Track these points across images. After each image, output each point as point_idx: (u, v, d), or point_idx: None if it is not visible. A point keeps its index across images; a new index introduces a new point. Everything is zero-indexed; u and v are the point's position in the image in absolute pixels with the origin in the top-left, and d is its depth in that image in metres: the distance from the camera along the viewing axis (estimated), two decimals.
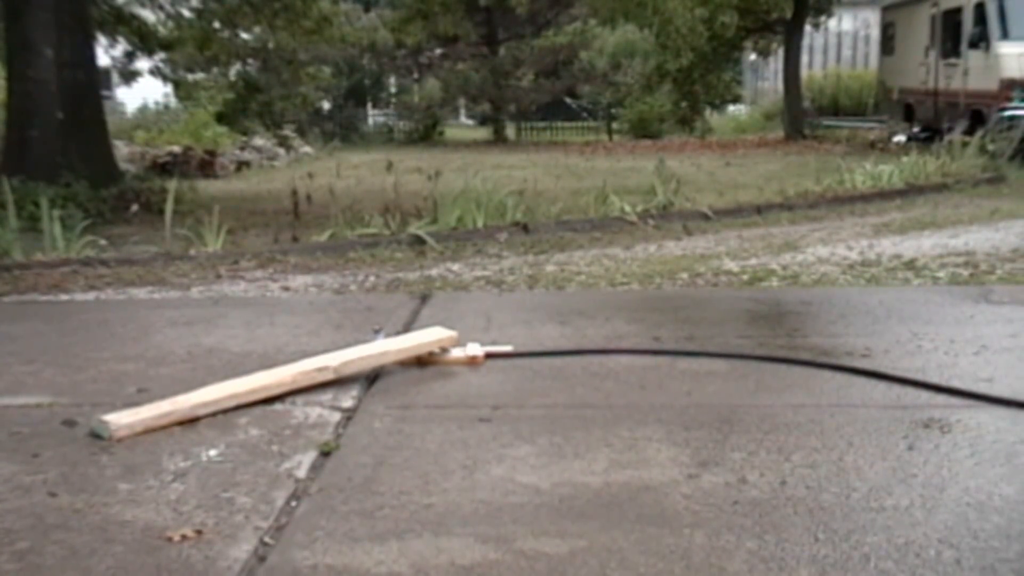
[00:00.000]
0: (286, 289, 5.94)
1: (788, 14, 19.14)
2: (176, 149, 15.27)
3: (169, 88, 16.11)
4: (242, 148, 16.59)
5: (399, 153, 16.60)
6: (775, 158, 15.06)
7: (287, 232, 7.67)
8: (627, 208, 8.51)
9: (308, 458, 2.88)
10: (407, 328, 4.28)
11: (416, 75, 26.12)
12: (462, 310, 4.78)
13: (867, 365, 3.67)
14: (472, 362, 3.81)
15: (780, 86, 21.24)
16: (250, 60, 12.97)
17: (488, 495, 2.60)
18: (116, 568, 2.24)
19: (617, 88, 23.71)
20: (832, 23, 23.28)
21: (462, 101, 26.13)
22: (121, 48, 13.14)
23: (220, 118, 13.97)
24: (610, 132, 24.23)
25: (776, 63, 23.35)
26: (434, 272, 6.39)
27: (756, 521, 2.42)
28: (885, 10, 19.56)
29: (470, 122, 27.84)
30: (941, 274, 5.85)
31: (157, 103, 20.52)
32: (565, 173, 12.65)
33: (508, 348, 3.95)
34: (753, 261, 6.48)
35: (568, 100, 25.39)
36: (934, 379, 3.49)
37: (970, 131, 12.96)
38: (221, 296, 5.65)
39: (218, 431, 3.11)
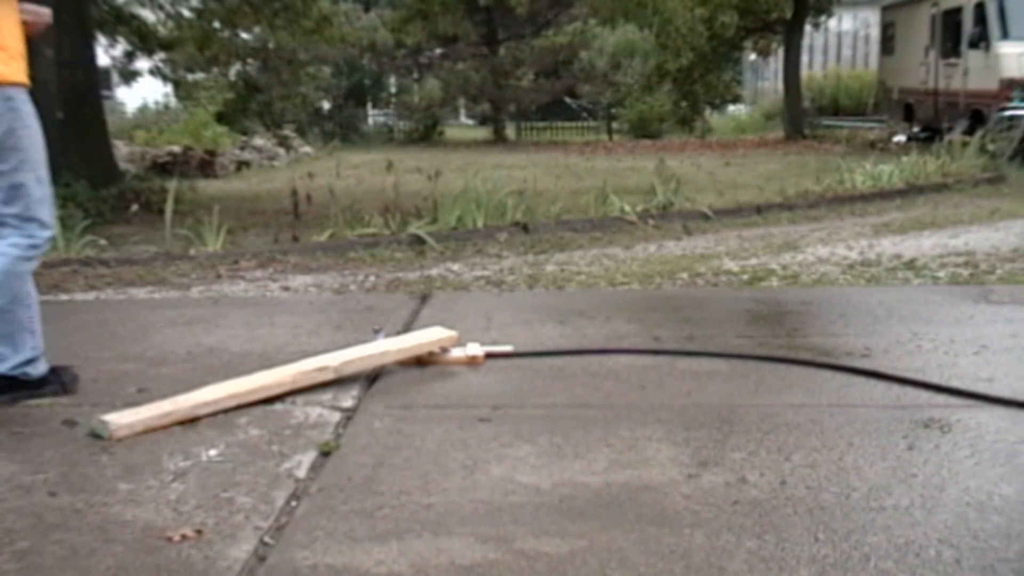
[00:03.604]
0: (286, 289, 5.94)
1: (788, 14, 19.15)
2: (176, 149, 15.27)
3: (169, 88, 16.12)
4: (242, 148, 16.60)
5: (399, 153, 16.61)
6: (775, 158, 15.06)
7: (287, 232, 7.67)
8: (627, 208, 8.52)
9: (308, 458, 2.88)
10: (407, 328, 4.28)
11: (416, 75, 26.14)
12: (462, 310, 4.78)
13: (867, 365, 3.67)
14: (472, 362, 3.81)
15: (780, 86, 21.25)
16: (250, 60, 12.98)
17: (488, 495, 2.60)
18: (116, 568, 2.24)
19: (617, 88, 23.72)
20: (832, 23, 23.29)
21: (462, 101, 26.15)
22: (121, 48, 13.14)
23: (220, 118, 13.99)
24: (610, 132, 24.23)
25: (776, 63, 23.38)
26: (434, 272, 6.39)
27: (756, 521, 2.42)
28: (885, 10, 19.56)
29: (470, 122, 27.85)
30: (941, 274, 5.85)
31: (157, 103, 20.53)
32: (565, 173, 12.64)
33: (508, 348, 3.95)
34: (753, 261, 6.48)
35: (568, 100, 25.41)
36: (934, 379, 3.48)
37: (970, 131, 12.97)
38: (221, 296, 5.65)
39: (218, 431, 3.11)
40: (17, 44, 3.20)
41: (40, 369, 3.41)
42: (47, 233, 3.32)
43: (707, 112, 22.37)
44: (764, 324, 4.48)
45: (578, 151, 18.63)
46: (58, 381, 3.46)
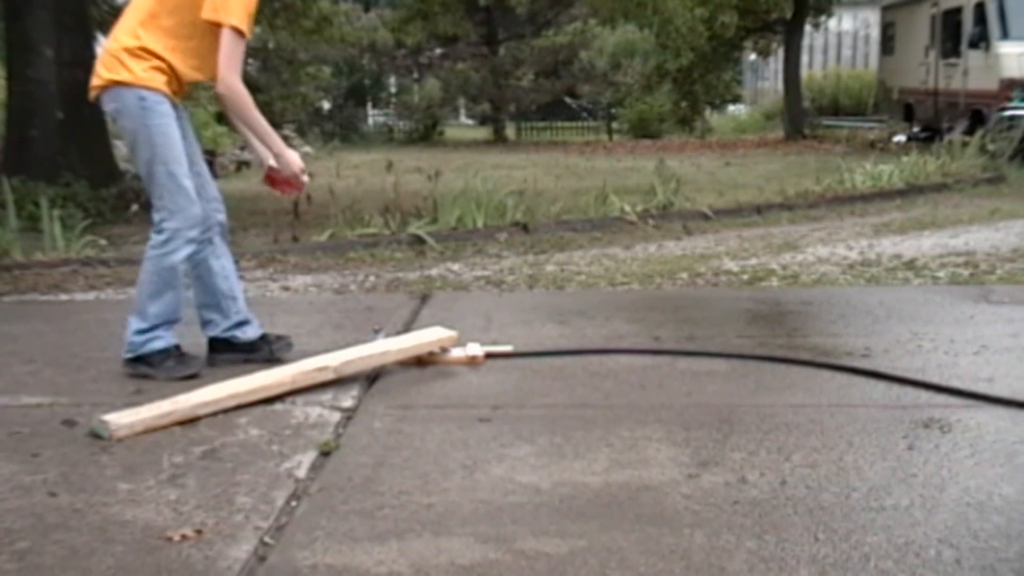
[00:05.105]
0: (286, 289, 5.94)
1: (788, 14, 19.13)
2: None
3: None
4: (242, 148, 16.52)
5: (399, 153, 16.60)
6: (775, 158, 15.06)
7: (287, 232, 7.66)
8: (627, 208, 8.51)
9: (308, 458, 2.88)
10: (407, 328, 4.28)
11: (416, 75, 26.11)
12: (462, 310, 4.79)
13: (867, 365, 3.67)
14: (472, 362, 3.81)
15: (780, 86, 21.24)
16: (250, 60, 12.97)
17: (488, 495, 2.61)
18: (116, 568, 2.24)
19: (617, 88, 23.70)
20: (832, 23, 23.27)
21: (462, 101, 26.12)
22: None
23: (220, 118, 13.97)
24: (610, 132, 24.21)
25: (776, 63, 23.36)
26: (434, 272, 6.39)
27: (756, 521, 2.42)
28: (885, 10, 19.55)
29: (470, 122, 27.82)
30: (941, 274, 5.85)
31: None
32: (565, 173, 12.64)
33: (508, 348, 3.95)
34: (753, 261, 6.48)
35: (568, 100, 25.38)
36: (934, 379, 3.49)
37: (970, 131, 12.96)
38: None
39: (218, 431, 3.11)
40: (177, 70, 3.58)
41: (249, 333, 3.85)
42: (173, 223, 3.59)
43: (707, 112, 22.35)
44: (764, 324, 4.48)
45: (578, 151, 18.62)
46: (267, 347, 3.85)
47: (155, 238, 3.63)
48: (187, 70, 3.63)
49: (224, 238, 3.92)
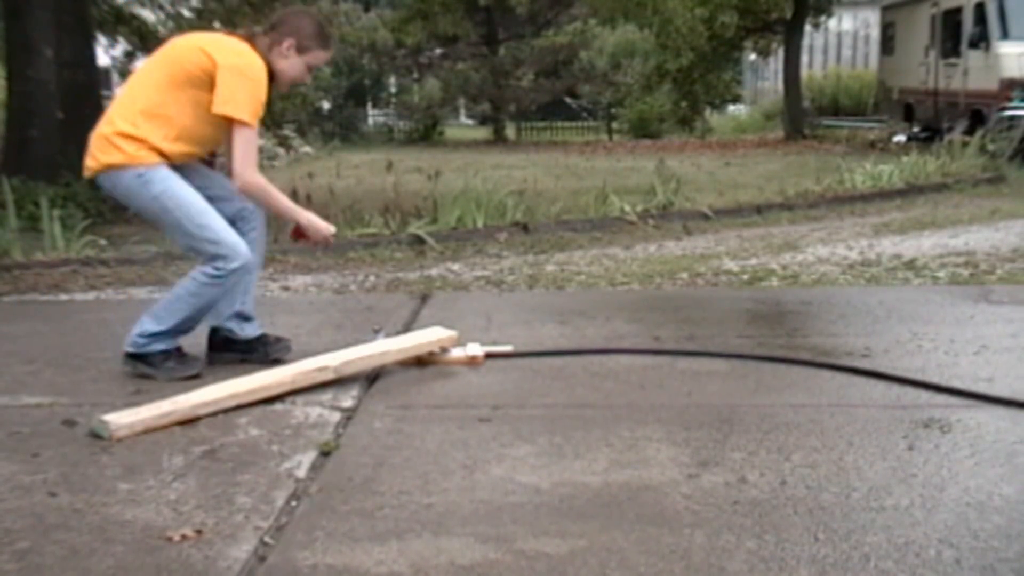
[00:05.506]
0: (286, 289, 5.94)
1: (788, 14, 19.12)
2: None
3: None
4: None
5: (399, 153, 16.60)
6: (775, 158, 15.06)
7: (287, 232, 7.66)
8: (627, 208, 8.51)
9: (308, 458, 2.88)
10: (407, 328, 4.28)
11: (416, 75, 26.10)
12: (462, 310, 4.79)
13: (867, 365, 3.67)
14: (472, 362, 3.81)
15: (780, 86, 21.23)
16: None
17: (488, 495, 2.61)
18: (116, 568, 2.24)
19: (617, 88, 23.69)
20: (832, 23, 23.26)
21: (462, 101, 26.11)
22: (121, 48, 13.13)
23: None
24: (610, 132, 24.22)
25: (776, 63, 23.35)
26: (434, 272, 6.39)
27: (756, 521, 2.42)
28: (885, 10, 19.55)
29: (470, 122, 27.82)
30: (941, 274, 5.85)
31: None
32: (565, 173, 12.65)
33: (508, 348, 3.95)
34: (753, 261, 6.48)
35: (568, 100, 25.38)
36: (934, 379, 3.49)
37: (970, 131, 12.96)
38: None
39: (218, 431, 3.11)
40: (170, 156, 3.56)
41: (248, 331, 3.84)
42: (233, 264, 3.58)
43: (707, 112, 22.32)
44: (764, 324, 4.48)
45: (578, 151, 18.61)
46: (264, 348, 3.83)
47: (209, 270, 3.59)
48: (182, 157, 3.61)
49: (264, 234, 3.92)
